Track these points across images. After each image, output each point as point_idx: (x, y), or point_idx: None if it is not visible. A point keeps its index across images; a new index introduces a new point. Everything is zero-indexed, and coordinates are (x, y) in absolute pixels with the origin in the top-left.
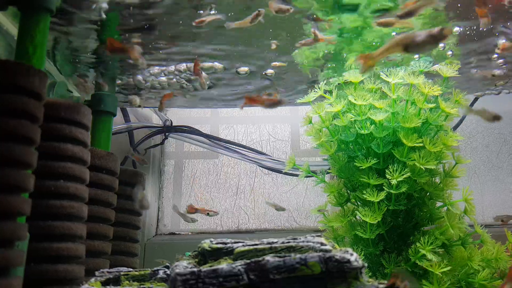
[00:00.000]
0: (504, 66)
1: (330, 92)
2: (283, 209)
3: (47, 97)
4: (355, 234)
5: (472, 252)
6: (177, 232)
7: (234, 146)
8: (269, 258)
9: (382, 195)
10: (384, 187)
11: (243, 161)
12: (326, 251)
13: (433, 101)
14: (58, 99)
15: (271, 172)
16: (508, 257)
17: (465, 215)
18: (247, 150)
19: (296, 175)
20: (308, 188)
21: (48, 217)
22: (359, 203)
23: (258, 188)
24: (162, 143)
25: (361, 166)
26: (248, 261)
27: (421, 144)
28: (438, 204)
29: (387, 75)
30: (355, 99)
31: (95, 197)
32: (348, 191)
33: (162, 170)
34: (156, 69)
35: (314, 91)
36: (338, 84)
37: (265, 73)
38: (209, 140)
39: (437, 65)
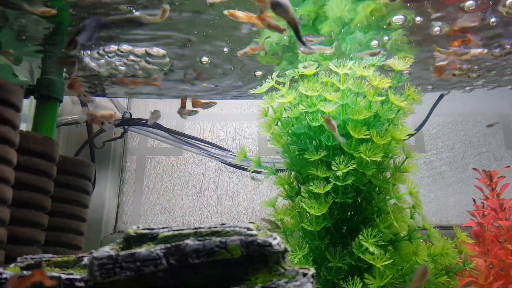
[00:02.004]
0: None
1: (284, 83)
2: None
3: None
4: (303, 227)
5: (418, 247)
6: None
7: (198, 142)
8: (188, 241)
9: (328, 187)
10: (330, 179)
11: (207, 157)
12: (251, 235)
13: (385, 94)
14: None
15: (236, 170)
16: (456, 253)
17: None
18: (211, 147)
19: (257, 172)
20: (273, 187)
21: None
22: (311, 196)
23: (223, 187)
24: (121, 136)
25: (311, 159)
26: (169, 245)
27: (369, 137)
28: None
29: (336, 66)
30: (306, 90)
31: (27, 182)
32: (299, 184)
33: (123, 166)
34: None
35: (267, 82)
36: (293, 77)
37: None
38: (171, 135)
39: (391, 59)
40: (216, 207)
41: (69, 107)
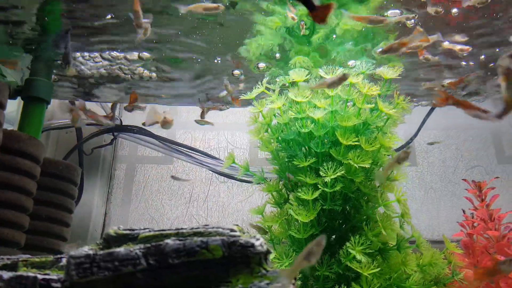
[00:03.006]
0: None
1: (274, 90)
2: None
3: None
4: (290, 235)
5: (407, 257)
6: None
7: (189, 150)
8: (168, 241)
9: (316, 194)
10: (319, 186)
11: (198, 166)
12: (234, 236)
13: (374, 102)
14: None
15: (227, 180)
16: (445, 264)
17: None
18: (201, 155)
19: (249, 182)
20: (263, 198)
21: None
22: (299, 203)
23: (213, 197)
24: (111, 143)
25: (300, 165)
26: (149, 245)
27: (358, 143)
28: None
29: (326, 72)
30: (295, 96)
31: (8, 182)
32: (288, 191)
33: (112, 174)
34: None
35: (257, 88)
36: (284, 84)
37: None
38: (160, 142)
39: (381, 68)
40: (206, 217)
41: (59, 113)
